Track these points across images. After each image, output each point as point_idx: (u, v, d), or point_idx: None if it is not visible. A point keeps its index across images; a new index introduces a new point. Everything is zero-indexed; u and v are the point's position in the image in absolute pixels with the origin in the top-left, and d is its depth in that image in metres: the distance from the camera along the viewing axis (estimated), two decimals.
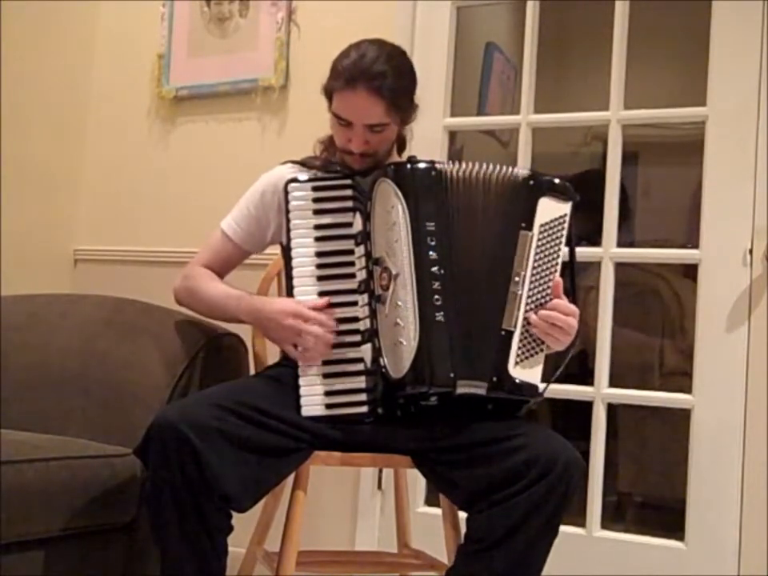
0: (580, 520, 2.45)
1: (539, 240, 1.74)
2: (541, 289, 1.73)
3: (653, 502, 3.44)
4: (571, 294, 1.79)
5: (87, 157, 3.18)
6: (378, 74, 1.79)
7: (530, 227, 1.74)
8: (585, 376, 2.61)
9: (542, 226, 1.75)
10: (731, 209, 2.36)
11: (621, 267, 2.55)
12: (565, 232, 1.77)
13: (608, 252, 2.49)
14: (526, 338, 1.72)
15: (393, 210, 1.74)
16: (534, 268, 1.73)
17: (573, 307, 1.75)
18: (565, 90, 3.87)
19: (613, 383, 2.51)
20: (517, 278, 1.72)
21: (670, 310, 3.43)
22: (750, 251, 2.33)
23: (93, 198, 3.15)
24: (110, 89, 3.17)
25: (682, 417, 2.46)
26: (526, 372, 1.71)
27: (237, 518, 1.69)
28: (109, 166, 3.15)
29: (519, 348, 1.71)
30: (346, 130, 1.86)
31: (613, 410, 2.56)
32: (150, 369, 2.08)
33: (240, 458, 1.63)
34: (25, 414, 2.12)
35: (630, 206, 3.48)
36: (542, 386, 1.73)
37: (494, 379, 1.70)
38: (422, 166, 1.77)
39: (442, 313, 1.69)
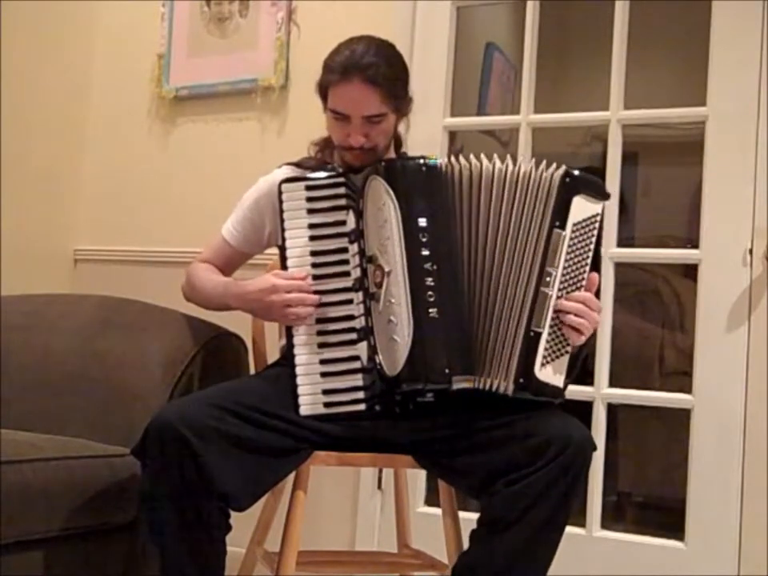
0: (580, 520, 2.44)
1: (571, 239, 1.70)
2: (571, 290, 1.70)
3: (653, 502, 3.44)
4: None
5: (87, 157, 3.17)
6: (371, 65, 1.81)
7: (563, 226, 1.69)
8: (585, 376, 2.60)
9: (574, 225, 1.70)
10: (731, 209, 2.35)
11: (621, 267, 2.55)
12: (596, 232, 1.73)
13: (608, 252, 2.48)
14: (553, 338, 1.69)
15: (384, 208, 1.73)
16: (564, 268, 1.69)
17: (599, 303, 1.74)
18: (565, 90, 3.88)
19: (613, 383, 2.52)
20: (548, 278, 1.68)
21: (669, 310, 3.43)
22: (750, 251, 2.33)
23: (93, 198, 3.15)
24: (110, 89, 3.17)
25: (682, 417, 2.46)
26: (552, 374, 1.69)
27: (237, 518, 1.69)
28: (109, 166, 3.14)
29: (546, 349, 1.69)
30: (343, 125, 1.86)
31: (613, 410, 2.56)
32: (150, 369, 2.08)
33: (239, 458, 1.63)
34: (25, 414, 2.12)
35: (625, 200, 3.47)
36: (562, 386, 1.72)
37: (521, 381, 1.67)
38: (412, 162, 1.76)
39: (435, 309, 1.68)
